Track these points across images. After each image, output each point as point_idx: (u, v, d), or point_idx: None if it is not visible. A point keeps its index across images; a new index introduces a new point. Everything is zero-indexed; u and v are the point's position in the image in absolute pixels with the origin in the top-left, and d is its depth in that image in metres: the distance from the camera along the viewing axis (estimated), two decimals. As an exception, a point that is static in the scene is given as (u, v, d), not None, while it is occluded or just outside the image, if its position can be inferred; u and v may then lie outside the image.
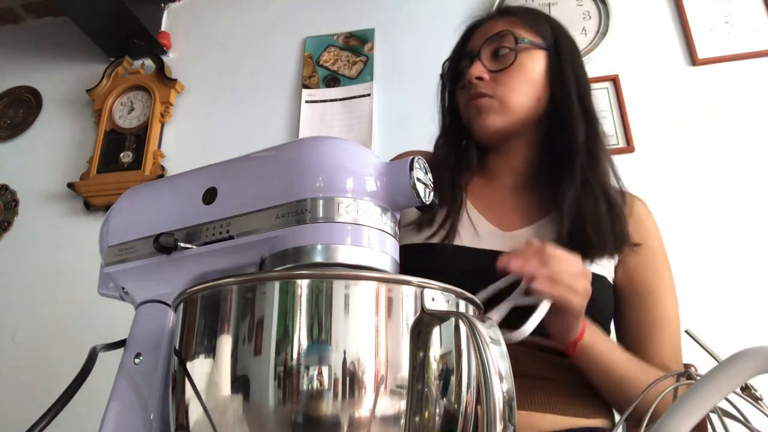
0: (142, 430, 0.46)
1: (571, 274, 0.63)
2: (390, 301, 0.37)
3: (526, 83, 0.84)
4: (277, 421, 0.35)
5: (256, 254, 0.45)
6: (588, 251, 0.76)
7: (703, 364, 0.55)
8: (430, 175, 0.47)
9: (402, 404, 0.36)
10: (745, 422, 0.43)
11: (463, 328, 0.40)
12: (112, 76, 2.10)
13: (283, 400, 0.35)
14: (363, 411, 0.35)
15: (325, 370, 0.35)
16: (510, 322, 0.61)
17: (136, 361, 0.49)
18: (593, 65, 1.68)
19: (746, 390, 0.45)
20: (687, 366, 0.88)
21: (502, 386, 0.34)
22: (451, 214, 0.82)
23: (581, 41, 1.72)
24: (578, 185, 0.80)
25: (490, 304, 0.65)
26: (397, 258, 0.46)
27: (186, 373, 0.39)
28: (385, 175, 0.45)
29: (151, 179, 1.86)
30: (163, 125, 2.02)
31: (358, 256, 0.43)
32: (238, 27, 2.12)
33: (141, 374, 0.48)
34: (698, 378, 0.37)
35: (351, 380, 0.35)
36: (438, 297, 0.38)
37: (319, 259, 0.42)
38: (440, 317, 0.38)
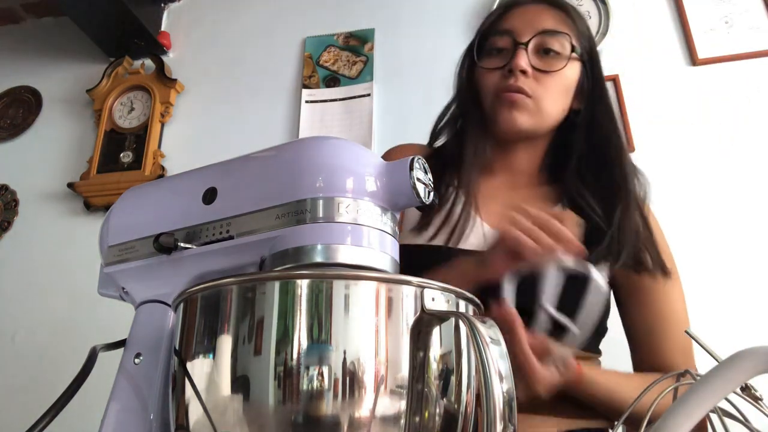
0: (142, 430, 0.46)
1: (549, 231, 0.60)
2: (390, 301, 0.37)
3: (563, 93, 0.82)
4: (277, 421, 0.35)
5: (256, 254, 0.45)
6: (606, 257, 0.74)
7: (703, 364, 0.55)
8: (430, 175, 0.46)
9: (402, 404, 0.36)
10: (745, 422, 0.43)
11: (463, 328, 0.40)
12: (112, 76, 2.10)
13: (283, 400, 0.35)
14: (363, 411, 0.35)
15: (325, 370, 0.35)
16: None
17: (136, 361, 0.49)
18: (593, 65, 1.68)
19: (746, 390, 0.45)
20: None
21: (502, 386, 0.34)
22: (461, 216, 0.81)
23: (581, 41, 1.72)
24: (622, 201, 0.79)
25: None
26: (397, 258, 0.46)
27: (186, 373, 0.39)
28: (385, 175, 0.45)
29: (151, 179, 1.86)
30: (163, 125, 2.02)
31: (358, 256, 0.43)
32: (238, 27, 2.11)
33: (141, 374, 0.48)
34: (698, 378, 0.37)
35: (351, 380, 0.35)
36: (438, 297, 0.38)
37: (319, 259, 0.42)
38: (440, 317, 0.38)
